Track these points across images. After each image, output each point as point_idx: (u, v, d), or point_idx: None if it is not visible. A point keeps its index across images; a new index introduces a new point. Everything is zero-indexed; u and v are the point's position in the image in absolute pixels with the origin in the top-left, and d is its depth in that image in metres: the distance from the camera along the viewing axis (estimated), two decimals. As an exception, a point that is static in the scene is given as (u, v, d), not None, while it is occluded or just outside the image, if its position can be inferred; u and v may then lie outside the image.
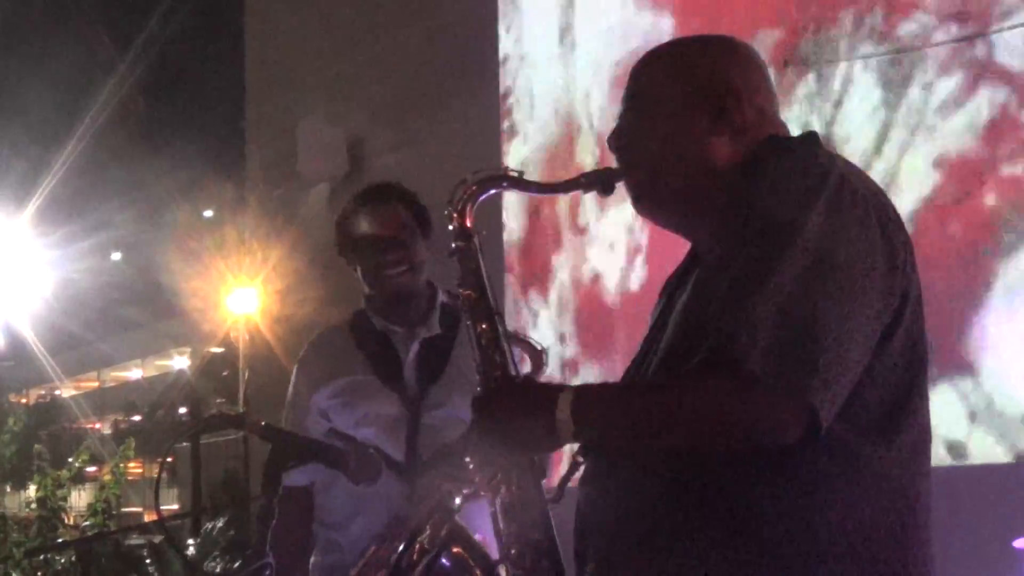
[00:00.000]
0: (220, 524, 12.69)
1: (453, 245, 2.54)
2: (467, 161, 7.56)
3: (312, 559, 4.06)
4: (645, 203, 2.46)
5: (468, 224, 2.53)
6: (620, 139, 2.47)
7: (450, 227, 2.54)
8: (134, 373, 48.26)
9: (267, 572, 2.75)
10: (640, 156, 2.42)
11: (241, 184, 11.86)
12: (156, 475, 3.68)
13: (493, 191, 2.56)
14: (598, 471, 2.35)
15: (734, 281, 2.14)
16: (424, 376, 3.99)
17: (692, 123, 2.38)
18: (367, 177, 8.89)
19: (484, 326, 2.51)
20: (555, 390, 2.24)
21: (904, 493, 2.21)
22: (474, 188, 2.53)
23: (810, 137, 2.41)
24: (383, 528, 3.80)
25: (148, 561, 10.50)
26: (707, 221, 2.35)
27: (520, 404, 2.29)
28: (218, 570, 11.13)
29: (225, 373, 28.55)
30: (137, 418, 38.42)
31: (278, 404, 4.28)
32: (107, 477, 15.16)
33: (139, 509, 25.23)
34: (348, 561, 3.90)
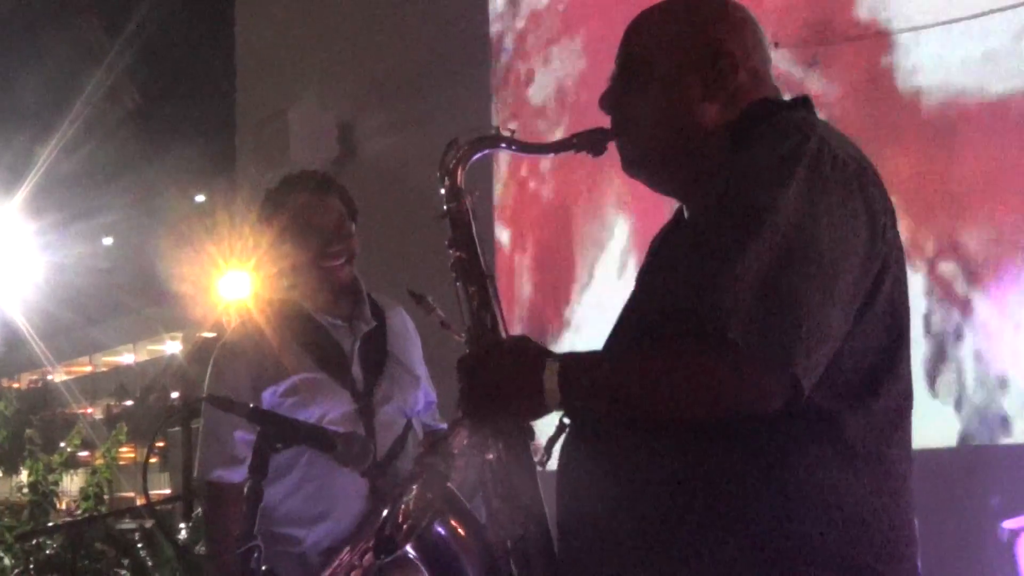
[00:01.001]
0: (211, 508, 12.69)
1: (444, 206, 2.54)
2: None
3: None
4: (636, 165, 2.47)
5: (459, 184, 2.53)
6: (612, 101, 2.47)
7: (441, 189, 2.54)
8: (126, 358, 48.23)
9: (255, 555, 2.75)
10: (632, 119, 2.43)
11: (232, 169, 11.81)
12: (148, 460, 3.65)
13: (485, 151, 2.56)
14: (579, 443, 2.37)
15: (715, 249, 2.15)
16: (369, 371, 3.98)
17: (685, 87, 2.39)
18: (358, 161, 8.90)
19: (474, 288, 2.51)
20: (543, 356, 2.24)
21: (880, 459, 2.22)
22: (465, 148, 2.53)
23: (801, 101, 2.41)
24: (350, 529, 3.80)
25: (140, 545, 10.47)
26: (697, 183, 2.38)
27: (507, 370, 2.29)
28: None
29: (217, 358, 28.48)
30: (129, 403, 38.36)
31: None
32: (99, 462, 15.12)
33: (131, 494, 25.21)
34: (312, 560, 3.88)
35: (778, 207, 2.13)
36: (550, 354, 2.27)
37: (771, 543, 2.15)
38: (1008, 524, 4.40)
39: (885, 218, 2.24)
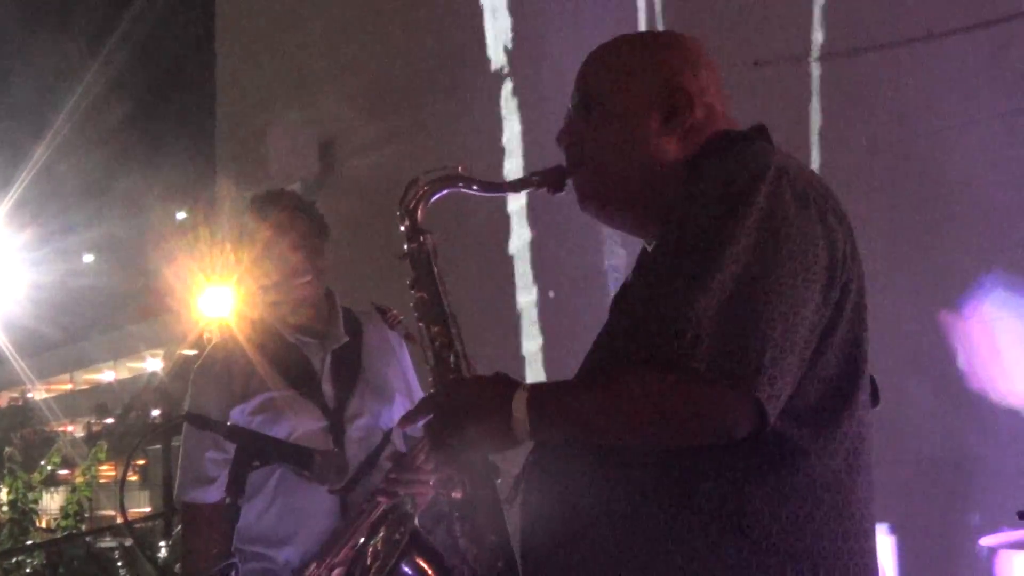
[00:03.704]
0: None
1: (405, 247, 2.55)
2: (439, 161, 7.57)
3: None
4: (594, 200, 2.50)
5: (419, 224, 2.55)
6: (570, 137, 2.50)
7: (401, 228, 2.55)
8: (106, 375, 48.09)
9: (232, 572, 2.75)
10: (591, 154, 2.45)
11: (213, 185, 11.81)
12: (124, 477, 3.65)
13: (446, 191, 2.56)
14: (539, 473, 2.38)
15: (675, 276, 2.16)
16: (341, 387, 3.97)
17: (642, 124, 2.41)
18: (339, 178, 8.89)
19: (437, 328, 2.52)
20: (510, 388, 2.24)
21: (841, 487, 2.23)
22: (425, 188, 2.54)
23: (757, 130, 2.42)
24: (318, 545, 3.81)
25: (120, 564, 10.45)
26: (654, 218, 2.39)
27: (475, 403, 2.28)
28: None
29: (198, 375, 28.39)
30: (110, 420, 38.26)
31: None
32: (79, 480, 15.08)
33: (111, 512, 25.13)
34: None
35: (738, 238, 2.13)
36: (518, 384, 2.27)
37: (734, 570, 2.16)
38: (986, 541, 4.41)
39: (845, 246, 2.24)
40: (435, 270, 2.54)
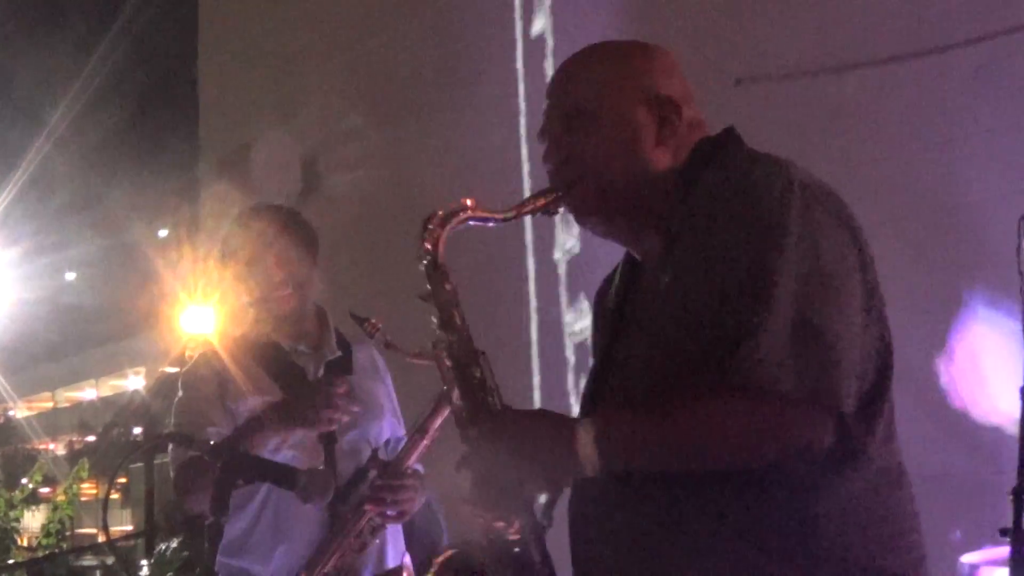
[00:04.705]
0: (174, 545, 12.60)
1: (428, 287, 2.49)
2: (425, 179, 7.58)
3: None
4: (594, 216, 2.48)
5: (440, 263, 2.49)
6: (559, 154, 2.47)
7: (421, 268, 2.50)
8: (88, 393, 47.87)
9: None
10: (589, 169, 2.43)
11: (196, 203, 11.80)
12: (108, 496, 3.63)
13: (459, 225, 2.51)
14: (592, 491, 2.34)
15: (731, 295, 2.18)
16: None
17: (636, 134, 2.41)
18: (322, 195, 8.89)
19: (469, 369, 2.44)
20: (567, 425, 2.22)
21: (889, 471, 2.30)
22: (438, 225, 2.49)
23: (733, 134, 2.45)
24: (304, 558, 3.80)
25: (102, 582, 10.41)
26: (648, 228, 2.41)
27: (532, 442, 2.24)
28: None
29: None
30: (91, 438, 38.10)
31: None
32: (61, 498, 15.02)
33: (93, 530, 25.03)
34: None
35: (784, 248, 2.17)
36: (574, 420, 2.25)
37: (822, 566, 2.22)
38: (967, 558, 4.41)
39: (867, 247, 2.30)
40: (459, 308, 2.48)
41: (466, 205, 2.50)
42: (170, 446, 3.92)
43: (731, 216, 2.24)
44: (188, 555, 13.29)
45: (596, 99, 2.43)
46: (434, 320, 2.48)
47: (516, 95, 7.37)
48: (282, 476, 2.94)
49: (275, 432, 3.79)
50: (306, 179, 9.33)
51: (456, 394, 2.44)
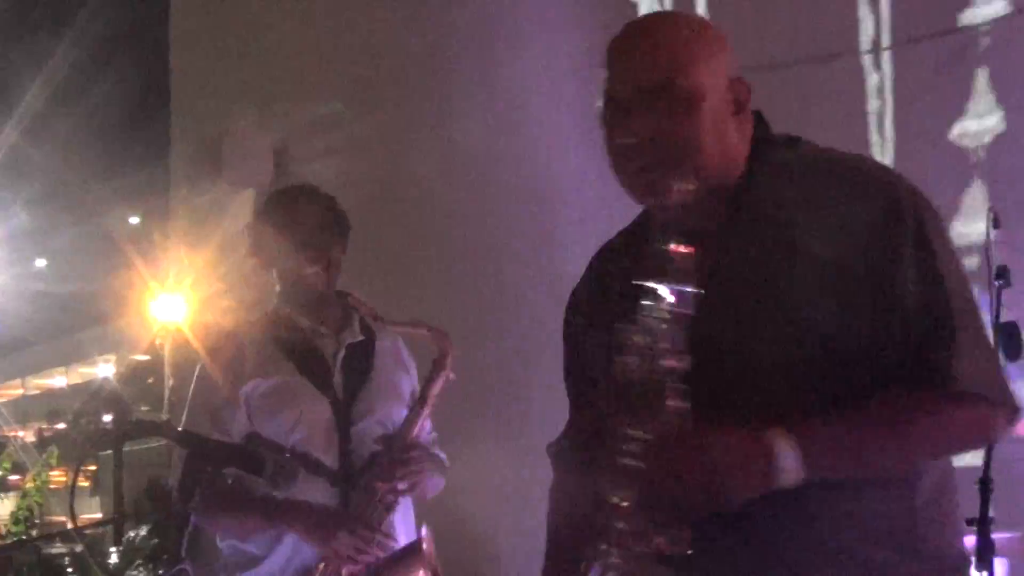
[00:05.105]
0: (143, 532, 12.58)
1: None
2: (399, 169, 7.58)
3: None
4: (687, 196, 2.35)
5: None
6: (658, 128, 2.34)
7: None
8: (58, 380, 47.70)
9: (182, 578, 2.74)
10: (692, 147, 2.35)
11: (167, 191, 11.77)
12: (75, 483, 3.64)
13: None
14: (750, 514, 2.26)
15: (930, 298, 2.27)
16: (352, 381, 3.97)
17: (725, 113, 2.39)
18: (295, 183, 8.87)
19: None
20: (763, 438, 2.18)
21: (949, 461, 2.45)
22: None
23: (763, 117, 2.50)
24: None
25: (70, 570, 10.38)
26: (717, 200, 2.39)
27: (729, 456, 2.16)
28: (139, 578, 11.06)
29: (150, 380, 28.32)
30: (61, 426, 38.03)
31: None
32: (30, 485, 15.00)
33: (63, 518, 24.96)
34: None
35: (949, 256, 2.32)
36: (767, 434, 2.18)
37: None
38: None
39: None
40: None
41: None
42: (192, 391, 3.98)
43: (862, 224, 2.28)
44: (158, 542, 13.27)
45: (694, 76, 2.33)
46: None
47: (497, 83, 7.35)
48: (249, 462, 2.94)
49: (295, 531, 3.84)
50: (279, 168, 9.31)
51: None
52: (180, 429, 3.03)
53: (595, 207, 6.26)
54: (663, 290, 2.22)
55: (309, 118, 8.85)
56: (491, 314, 7.14)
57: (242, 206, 9.52)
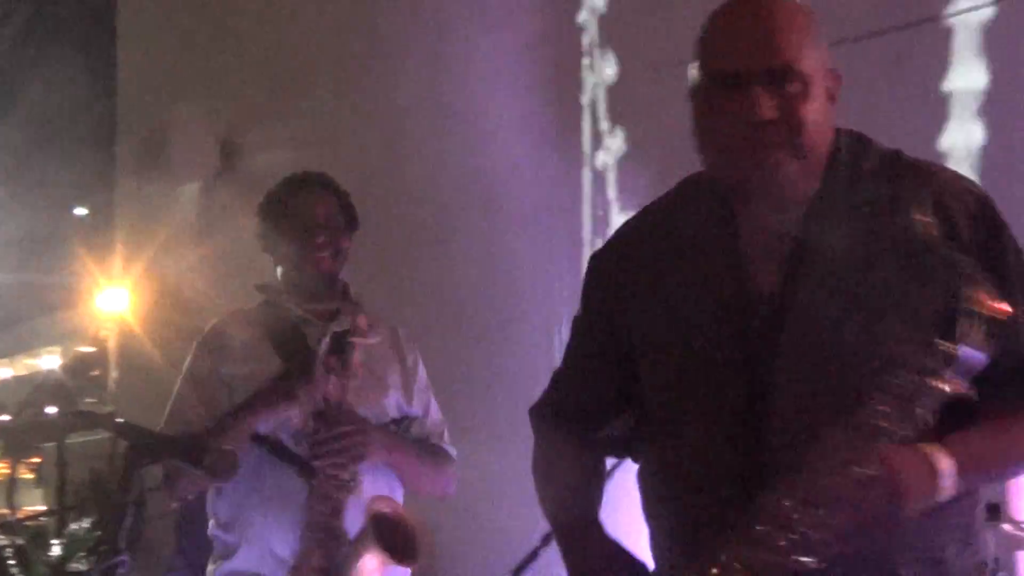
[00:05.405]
0: (86, 524, 12.52)
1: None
2: (346, 160, 7.56)
3: (208, 567, 3.99)
4: (791, 182, 2.43)
5: None
6: (780, 109, 2.37)
7: None
8: (2, 372, 47.40)
9: (121, 569, 2.73)
10: (808, 132, 2.39)
11: (113, 181, 11.69)
12: (18, 475, 3.61)
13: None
14: None
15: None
16: (334, 371, 3.97)
17: (827, 101, 2.43)
18: (239, 176, 8.84)
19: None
20: (922, 453, 2.21)
21: None
22: None
23: None
24: (297, 530, 3.79)
25: (12, 562, 10.31)
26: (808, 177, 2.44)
27: (913, 472, 2.19)
28: (83, 570, 10.99)
29: (95, 372, 28.14)
30: (5, 418, 37.70)
31: (147, 403, 4.19)
32: (-28, 478, 14.90)
33: (6, 511, 24.79)
34: (244, 568, 3.88)
35: None
36: (923, 447, 2.21)
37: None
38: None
39: None
40: None
41: None
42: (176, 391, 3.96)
43: (986, 236, 2.37)
44: (101, 534, 13.19)
45: (808, 62, 2.38)
46: None
47: (441, 70, 7.34)
48: (189, 453, 2.93)
49: (267, 413, 3.82)
50: (224, 159, 9.28)
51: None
52: (119, 420, 3.01)
53: (545, 199, 6.28)
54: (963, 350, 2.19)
55: (255, 109, 8.82)
56: (436, 307, 7.14)
57: (188, 197, 9.48)
